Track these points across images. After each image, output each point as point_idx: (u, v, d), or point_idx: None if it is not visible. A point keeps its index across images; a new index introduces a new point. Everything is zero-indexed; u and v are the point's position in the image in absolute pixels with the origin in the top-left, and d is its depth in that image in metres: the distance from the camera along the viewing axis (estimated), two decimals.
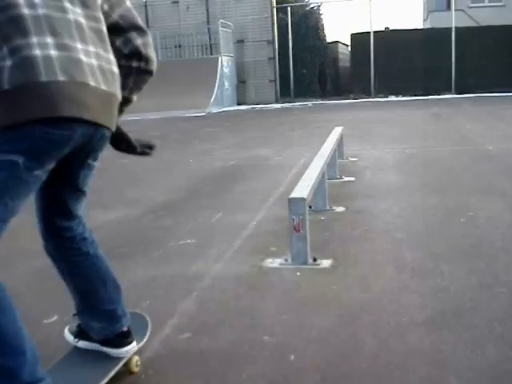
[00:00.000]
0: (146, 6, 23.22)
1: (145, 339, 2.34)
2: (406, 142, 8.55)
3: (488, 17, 22.65)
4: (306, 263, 3.44)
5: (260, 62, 23.12)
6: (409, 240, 3.83)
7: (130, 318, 2.21)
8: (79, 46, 1.75)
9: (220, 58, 21.03)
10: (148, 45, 2.01)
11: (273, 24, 22.66)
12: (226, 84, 21.66)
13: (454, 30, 21.59)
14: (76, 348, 2.30)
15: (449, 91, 21.27)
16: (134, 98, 2.06)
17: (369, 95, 21.73)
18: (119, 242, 4.11)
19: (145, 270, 3.54)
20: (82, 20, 1.80)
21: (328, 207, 4.75)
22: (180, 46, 22.53)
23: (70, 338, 2.31)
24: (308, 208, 4.84)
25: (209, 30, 22.66)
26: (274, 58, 22.93)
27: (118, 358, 2.19)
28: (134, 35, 1.97)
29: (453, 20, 21.65)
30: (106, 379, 2.08)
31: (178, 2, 23.21)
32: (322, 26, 24.96)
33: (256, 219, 4.61)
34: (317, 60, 24.07)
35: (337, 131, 6.80)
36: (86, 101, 1.73)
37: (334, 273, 3.30)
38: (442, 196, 5.01)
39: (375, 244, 3.79)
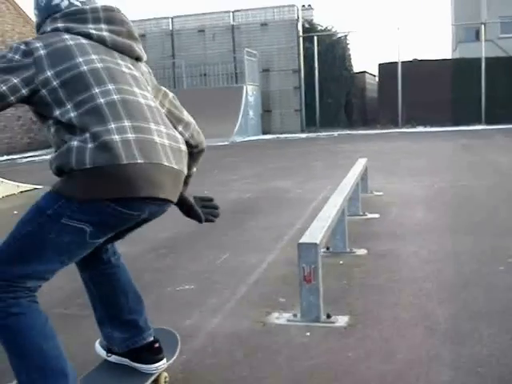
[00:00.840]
0: (172, 34, 23.18)
1: (175, 356, 2.35)
2: (434, 176, 8.00)
3: None
4: (317, 320, 2.93)
5: (285, 91, 22.78)
6: (440, 292, 3.29)
7: (153, 332, 2.25)
8: (153, 126, 1.88)
9: (245, 87, 20.73)
10: (195, 133, 2.15)
11: (299, 53, 22.35)
12: (251, 113, 21.33)
13: (483, 59, 21.05)
14: (106, 361, 2.33)
15: (478, 122, 20.67)
16: (195, 170, 2.22)
17: (396, 126, 21.21)
18: None
19: None
20: (151, 103, 1.96)
21: (348, 249, 4.24)
22: (205, 75, 22.34)
23: (101, 351, 2.35)
24: (325, 250, 4.39)
25: (234, 58, 22.44)
26: (299, 87, 22.59)
27: (148, 374, 2.22)
28: (181, 130, 2.08)
29: (483, 49, 21.15)
30: None
31: (203, 31, 23.08)
32: (349, 55, 24.57)
33: (266, 261, 4.12)
34: (343, 90, 23.64)
35: (360, 163, 6.30)
36: (161, 180, 1.85)
37: (351, 334, 2.78)
38: (476, 238, 4.46)
39: (400, 297, 3.26)
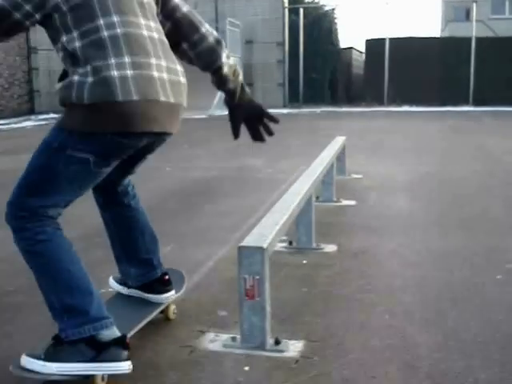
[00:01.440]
0: None
1: (182, 291, 2.56)
2: (420, 158, 7.30)
3: (506, 29, 21.46)
4: (262, 347, 2.22)
5: (269, 65, 21.89)
6: (423, 310, 2.59)
7: (164, 269, 2.45)
8: (153, 61, 1.96)
9: None
10: (204, 51, 2.29)
11: (284, 25, 21.45)
12: None
13: (474, 38, 20.33)
14: (118, 294, 2.54)
15: (466, 103, 20.04)
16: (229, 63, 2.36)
17: (381, 104, 20.49)
18: (19, 284, 2.91)
19: (29, 333, 2.34)
20: (155, 34, 2.02)
21: (315, 245, 3.53)
22: None
23: (114, 285, 2.56)
24: (288, 244, 3.68)
25: (216, 28, 21.34)
26: (283, 60, 21.73)
27: (158, 304, 2.41)
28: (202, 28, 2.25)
29: (473, 27, 20.42)
30: (145, 322, 2.29)
31: None
32: (336, 30, 23.76)
33: (215, 258, 3.40)
34: (328, 65, 22.85)
35: (338, 141, 5.58)
36: (156, 116, 1.95)
37: (303, 370, 2.07)
38: (467, 235, 3.77)
39: (373, 315, 2.55)
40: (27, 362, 1.92)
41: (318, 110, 19.37)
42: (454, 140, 9.48)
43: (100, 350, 1.92)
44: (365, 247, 3.53)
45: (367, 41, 23.01)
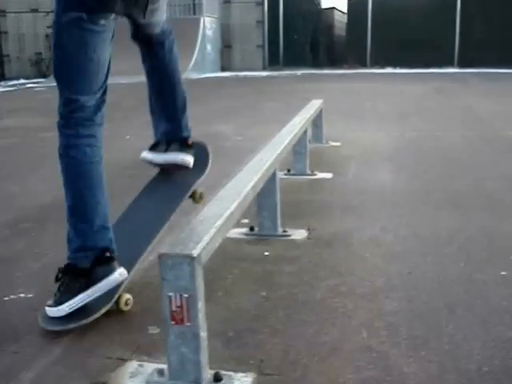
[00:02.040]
0: None
1: (208, 168, 2.71)
2: (405, 123, 6.69)
3: None
4: None
5: (247, 26, 21.01)
6: (412, 324, 2.01)
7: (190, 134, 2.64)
8: None
9: (202, 19, 18.97)
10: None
11: None
12: (209, 48, 19.63)
13: None
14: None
15: (451, 65, 19.41)
16: None
17: (364, 66, 19.80)
18: None
19: None
20: None
21: (280, 230, 2.93)
22: None
23: (147, 155, 2.66)
24: (249, 230, 3.08)
25: None
26: (262, 21, 20.86)
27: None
28: None
29: None
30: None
31: None
32: None
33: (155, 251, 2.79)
34: (310, 26, 22.02)
35: (313, 105, 4.97)
36: None
37: None
38: (461, 216, 3.19)
39: (347, 332, 1.97)
40: (50, 312, 2.00)
41: (299, 72, 18.61)
42: (440, 103, 8.86)
43: (87, 275, 2.01)
44: (340, 233, 2.94)
45: (349, 1, 22.18)
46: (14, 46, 20.37)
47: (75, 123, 2.05)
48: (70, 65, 2.03)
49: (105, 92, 2.11)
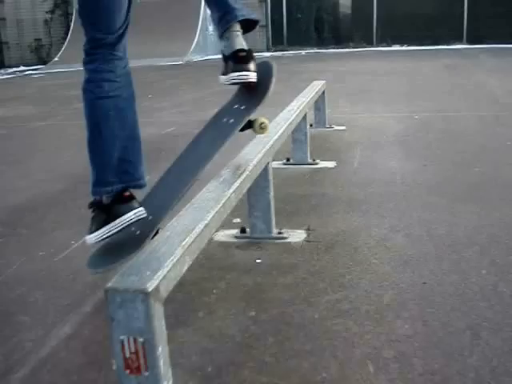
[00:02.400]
0: None
1: (271, 85, 2.38)
2: (415, 103, 6.30)
3: None
4: None
5: (250, 5, 20.38)
6: (428, 350, 1.65)
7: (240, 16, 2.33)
8: None
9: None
10: None
11: None
12: (210, 28, 19.15)
13: None
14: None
15: (459, 41, 18.89)
16: None
17: (370, 44, 19.29)
18: None
19: None
20: None
21: (275, 232, 2.58)
22: None
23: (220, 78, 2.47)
24: (239, 232, 2.74)
25: None
26: (265, 0, 20.36)
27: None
28: None
29: None
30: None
31: None
32: None
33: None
34: (313, 4, 21.46)
35: (314, 87, 4.59)
36: None
37: None
38: (479, 209, 2.82)
39: (349, 366, 1.62)
40: (87, 239, 2.08)
41: (303, 51, 18.17)
42: (451, 81, 8.43)
43: (107, 211, 2.05)
44: (343, 234, 2.59)
45: None
46: (13, 33, 20.06)
47: (96, 59, 2.08)
48: (93, 4, 2.04)
49: (126, 27, 2.12)
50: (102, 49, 2.07)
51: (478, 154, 3.92)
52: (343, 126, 5.05)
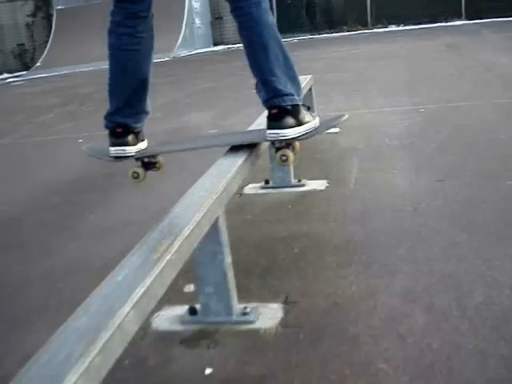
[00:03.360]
0: None
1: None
2: (419, 93, 5.48)
3: None
4: None
5: None
6: None
7: (280, 101, 2.18)
8: None
9: None
10: None
11: None
12: (197, 21, 18.35)
13: None
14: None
15: (458, 17, 18.04)
16: None
17: (365, 26, 18.43)
18: None
19: None
20: None
21: (238, 310, 1.78)
22: None
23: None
24: (187, 314, 1.93)
25: None
26: None
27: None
28: None
29: None
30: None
31: None
32: None
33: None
34: None
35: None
36: None
37: None
38: None
39: None
40: None
41: (295, 38, 17.29)
42: (457, 62, 7.59)
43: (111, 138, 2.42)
44: (336, 309, 1.78)
45: None
46: None
47: (121, 12, 2.23)
48: None
49: None
50: (128, 3, 2.21)
51: (505, 160, 3.11)
52: (337, 127, 4.24)
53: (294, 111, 2.19)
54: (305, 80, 3.99)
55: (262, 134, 2.28)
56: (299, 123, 2.20)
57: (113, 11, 2.24)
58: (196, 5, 18.18)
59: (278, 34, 2.22)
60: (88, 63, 14.86)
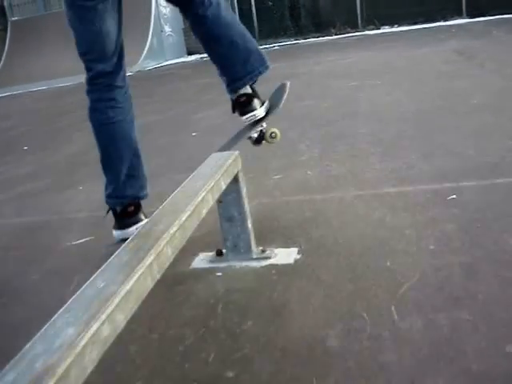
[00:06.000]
0: None
1: (281, 104, 2.58)
2: (438, 151, 3.40)
3: None
4: None
5: None
6: None
7: (242, 85, 2.49)
8: None
9: None
10: None
11: None
12: (167, 29, 16.37)
13: None
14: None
15: (458, 15, 16.22)
16: None
17: (355, 28, 16.57)
18: None
19: None
20: None
21: None
22: None
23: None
24: None
25: None
26: None
27: (248, 127, 2.59)
28: None
29: None
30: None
31: None
32: None
33: None
34: None
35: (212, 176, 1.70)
36: None
37: None
38: None
39: None
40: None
41: (276, 45, 15.29)
42: (482, 80, 5.48)
43: (119, 220, 2.43)
44: None
45: None
46: None
47: (97, 89, 2.30)
48: (79, 38, 2.24)
49: (120, 57, 2.30)
50: (101, 78, 2.29)
51: None
52: (294, 245, 2.17)
53: (255, 93, 2.51)
54: (226, 160, 1.97)
55: (243, 130, 2.55)
56: (262, 101, 2.55)
57: (88, 90, 2.32)
58: (165, 10, 16.19)
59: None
60: (46, 80, 13.07)
